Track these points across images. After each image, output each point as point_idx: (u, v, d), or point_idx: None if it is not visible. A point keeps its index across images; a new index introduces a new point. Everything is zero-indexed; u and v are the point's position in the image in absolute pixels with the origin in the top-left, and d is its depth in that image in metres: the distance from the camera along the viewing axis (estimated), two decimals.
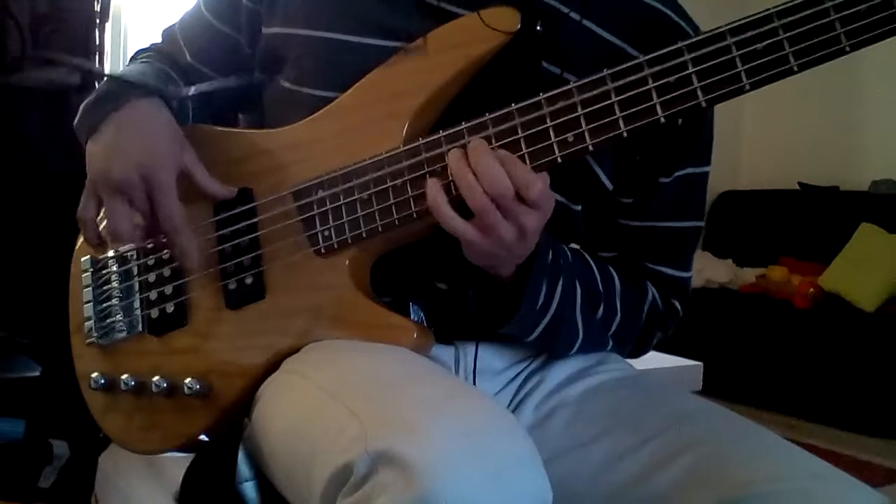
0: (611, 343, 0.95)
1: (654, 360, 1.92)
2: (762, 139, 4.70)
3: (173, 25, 1.05)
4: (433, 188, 0.77)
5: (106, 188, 0.85)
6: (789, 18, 0.71)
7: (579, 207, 0.91)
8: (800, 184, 4.32)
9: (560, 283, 0.85)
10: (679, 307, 0.99)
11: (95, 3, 1.88)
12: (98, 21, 1.88)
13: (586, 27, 0.87)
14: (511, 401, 0.93)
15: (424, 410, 0.63)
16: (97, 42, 1.88)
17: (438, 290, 0.89)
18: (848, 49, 0.70)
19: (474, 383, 0.91)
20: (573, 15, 0.87)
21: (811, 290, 3.74)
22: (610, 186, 0.91)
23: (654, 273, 0.98)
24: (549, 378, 0.92)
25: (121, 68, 0.95)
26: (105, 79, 0.90)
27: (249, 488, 0.93)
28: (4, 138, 1.69)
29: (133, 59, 1.04)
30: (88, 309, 0.97)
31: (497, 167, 0.74)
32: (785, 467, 0.73)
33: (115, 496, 1.08)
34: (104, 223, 0.88)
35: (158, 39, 1.08)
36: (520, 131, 0.78)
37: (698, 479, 0.74)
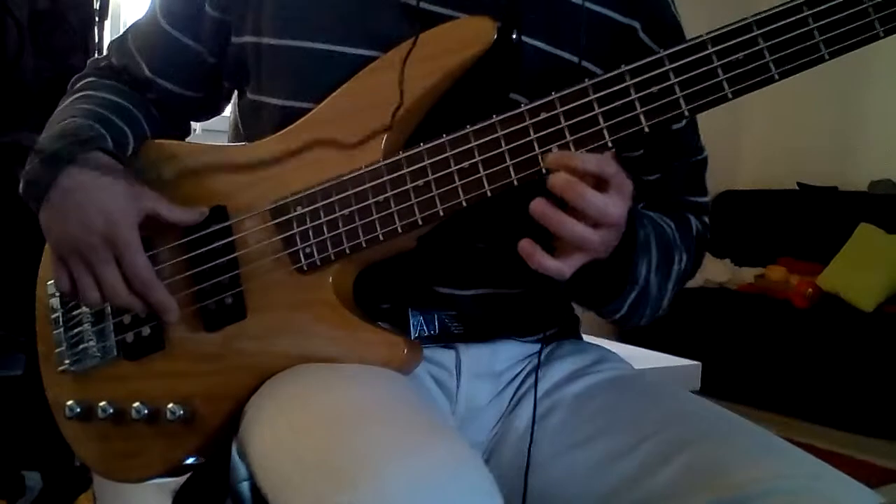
0: (668, 298, 0.96)
1: (652, 359, 1.93)
2: (761, 139, 4.70)
3: (124, 37, 1.00)
4: (528, 247, 0.75)
5: (71, 257, 0.83)
6: (769, 27, 0.72)
7: None
8: (799, 184, 4.32)
9: (649, 254, 0.86)
10: (708, 222, 1.02)
11: (94, 1, 1.87)
12: (97, 19, 1.88)
13: (589, 9, 0.88)
14: (509, 402, 0.93)
15: (380, 457, 0.62)
16: (96, 40, 1.88)
17: (439, 295, 0.89)
18: (827, 57, 0.71)
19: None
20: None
21: (810, 289, 3.75)
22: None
23: (689, 203, 1.00)
24: (547, 377, 0.92)
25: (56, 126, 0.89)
26: (40, 142, 0.86)
27: (246, 488, 0.92)
28: (1, 137, 1.69)
29: (70, 88, 0.99)
30: (59, 335, 0.93)
31: (588, 193, 0.72)
32: (782, 467, 0.72)
33: (112, 494, 1.08)
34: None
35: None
36: (503, 144, 0.77)
37: (695, 478, 0.74)
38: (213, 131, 2.93)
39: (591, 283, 0.84)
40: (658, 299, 0.93)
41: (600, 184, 0.74)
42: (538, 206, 0.74)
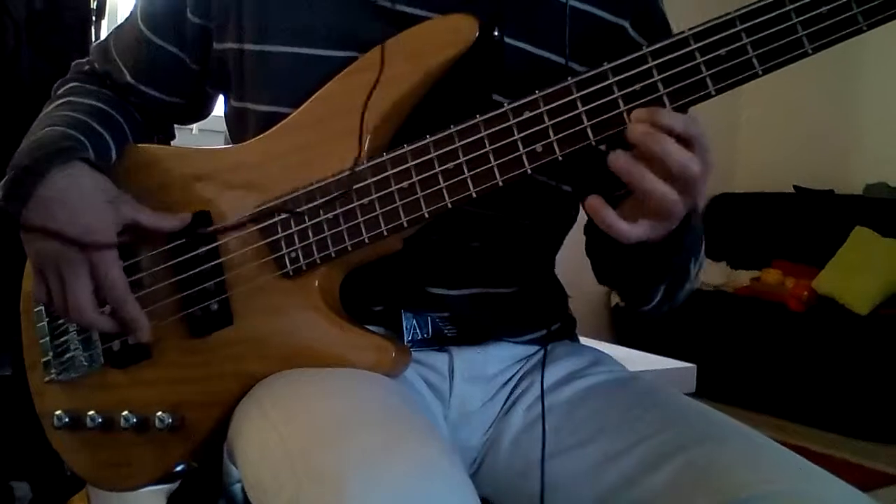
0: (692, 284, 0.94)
1: (647, 361, 1.93)
2: (757, 142, 4.71)
3: (106, 42, 0.99)
4: (597, 203, 0.72)
5: (48, 269, 0.82)
6: (752, 22, 0.71)
7: (569, 189, 0.91)
8: (795, 187, 4.33)
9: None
10: None
11: (92, 0, 1.87)
12: (94, 19, 1.88)
13: (575, 8, 0.87)
14: (503, 405, 0.93)
15: (366, 463, 0.63)
16: (93, 40, 1.88)
17: (431, 296, 0.88)
18: (810, 51, 0.70)
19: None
20: None
21: (805, 293, 3.75)
22: None
23: None
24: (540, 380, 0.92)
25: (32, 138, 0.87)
26: (19, 152, 0.85)
27: (239, 490, 0.92)
28: None
29: (54, 94, 0.99)
30: (45, 345, 0.92)
31: (670, 145, 0.69)
32: (775, 470, 0.72)
33: (105, 495, 1.07)
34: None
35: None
36: (487, 144, 0.77)
37: (689, 481, 0.74)
38: (209, 131, 2.93)
39: (646, 259, 0.82)
40: (690, 283, 0.92)
41: (684, 144, 0.71)
42: (618, 158, 0.71)
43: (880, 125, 4.18)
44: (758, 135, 4.68)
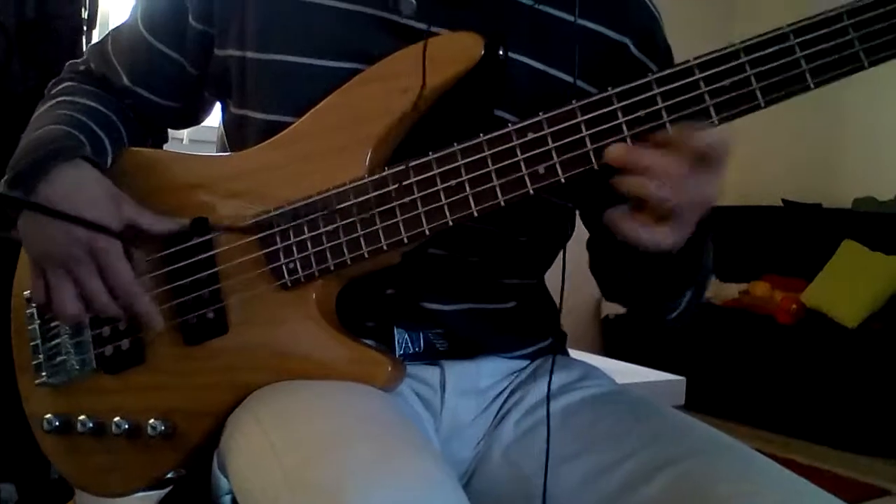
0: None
1: (636, 374, 1.93)
2: (746, 156, 4.73)
3: (104, 44, 0.98)
4: (619, 215, 0.73)
5: (50, 268, 0.81)
6: (756, 55, 0.72)
7: (570, 204, 0.92)
8: (783, 200, 4.35)
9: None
10: None
11: (83, 10, 1.87)
12: (85, 28, 1.88)
13: (581, 26, 0.87)
14: (494, 417, 0.93)
15: (362, 476, 0.63)
16: (84, 49, 1.88)
17: (425, 311, 0.88)
18: (812, 86, 0.71)
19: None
20: (565, 16, 0.87)
21: (794, 306, 3.77)
22: None
23: None
24: (531, 394, 0.92)
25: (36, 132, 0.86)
26: (20, 149, 0.83)
27: (228, 501, 0.92)
28: None
29: (48, 93, 0.97)
30: (36, 346, 0.91)
31: (663, 160, 0.71)
32: (763, 483, 0.73)
33: (94, 500, 1.07)
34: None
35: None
36: (490, 164, 0.77)
37: (678, 495, 0.74)
38: (200, 142, 2.93)
39: (669, 270, 0.83)
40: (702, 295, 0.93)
41: (704, 160, 0.72)
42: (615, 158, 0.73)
43: (868, 139, 4.21)
44: (747, 149, 4.70)
